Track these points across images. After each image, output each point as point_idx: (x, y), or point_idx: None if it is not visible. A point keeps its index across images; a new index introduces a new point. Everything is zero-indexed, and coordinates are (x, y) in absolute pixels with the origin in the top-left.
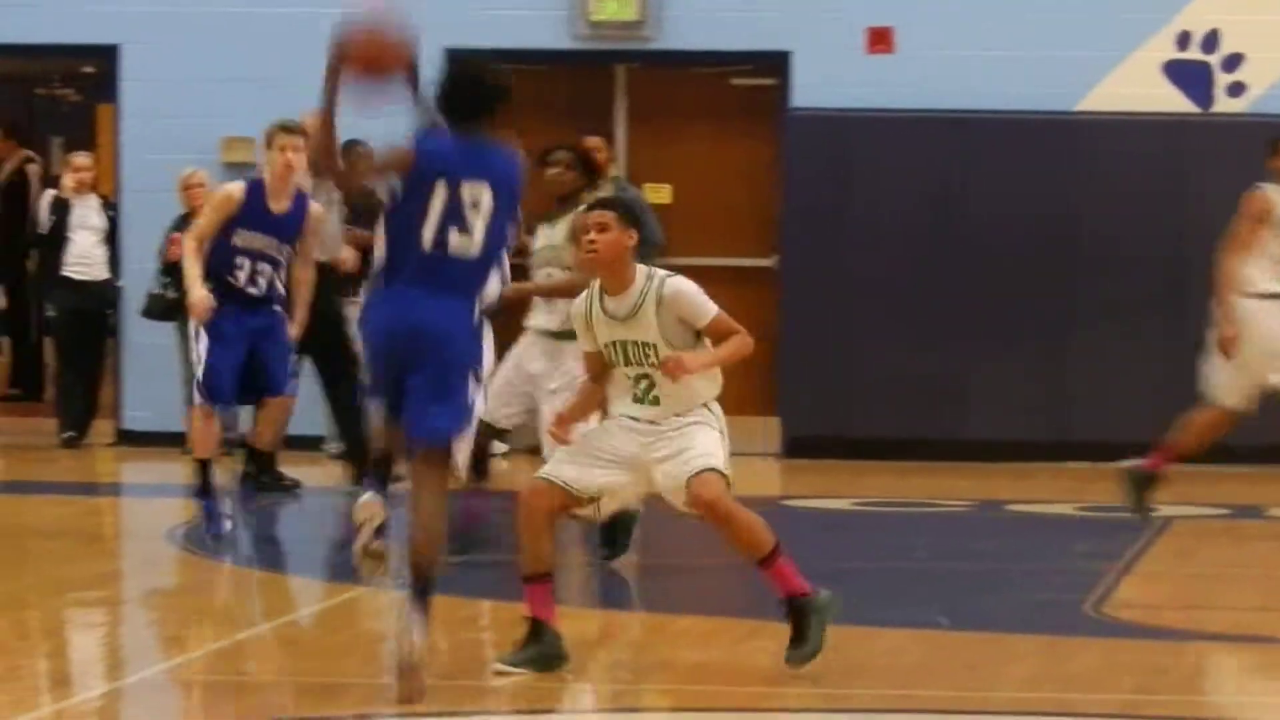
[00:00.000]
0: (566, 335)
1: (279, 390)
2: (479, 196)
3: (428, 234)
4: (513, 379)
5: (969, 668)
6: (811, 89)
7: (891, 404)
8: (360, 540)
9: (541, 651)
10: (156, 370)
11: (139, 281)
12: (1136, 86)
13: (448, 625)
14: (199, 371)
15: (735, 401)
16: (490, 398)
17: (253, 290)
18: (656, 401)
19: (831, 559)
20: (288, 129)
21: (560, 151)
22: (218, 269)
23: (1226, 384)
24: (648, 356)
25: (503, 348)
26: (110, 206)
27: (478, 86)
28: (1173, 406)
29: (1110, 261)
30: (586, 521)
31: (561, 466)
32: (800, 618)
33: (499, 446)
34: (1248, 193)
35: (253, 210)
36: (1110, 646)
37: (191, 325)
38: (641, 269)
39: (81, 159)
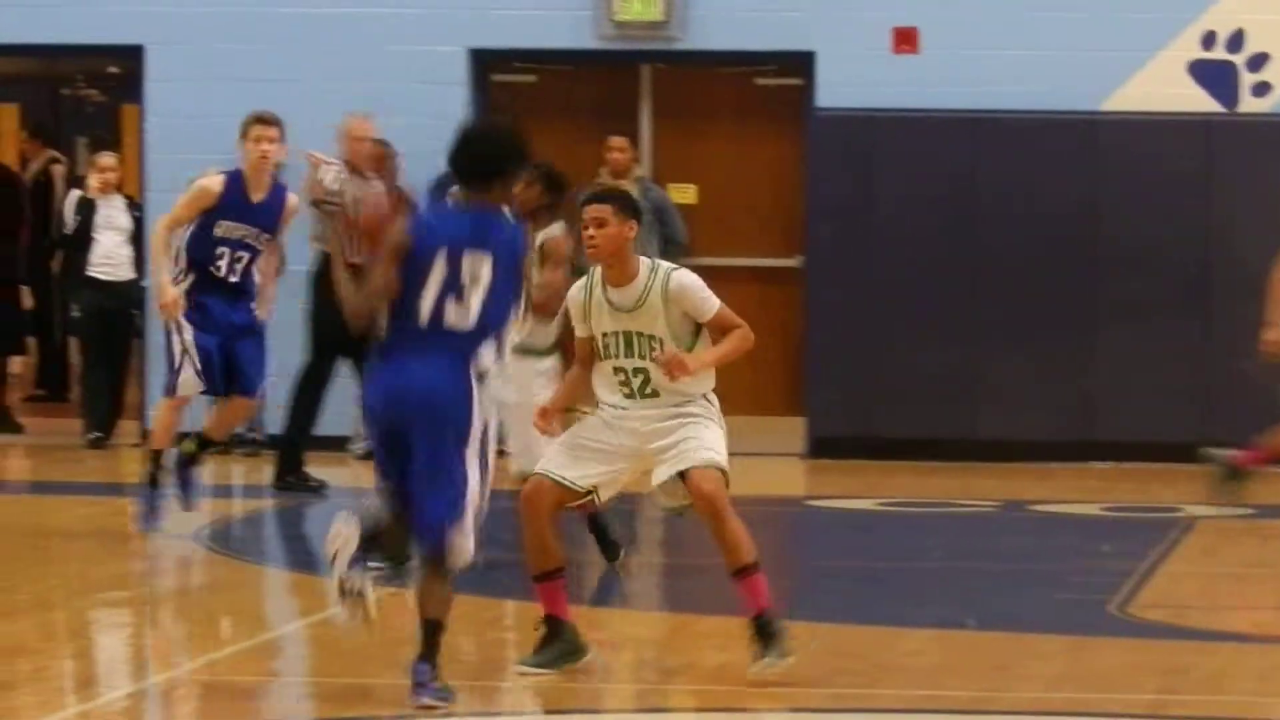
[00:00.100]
0: (529, 351)
1: (251, 391)
2: (479, 269)
3: (425, 306)
4: None
5: (994, 668)
6: (836, 89)
7: (916, 404)
8: (335, 574)
9: (562, 650)
10: None
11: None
12: (1161, 86)
13: (473, 626)
14: (185, 363)
15: (760, 401)
16: None
17: (232, 279)
18: (654, 394)
19: (856, 559)
20: (263, 120)
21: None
22: (200, 260)
23: None
24: (651, 349)
25: None
26: (135, 207)
27: (491, 151)
28: (1196, 405)
29: (1134, 261)
30: (587, 512)
31: (557, 462)
32: (766, 632)
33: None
34: None
35: (234, 201)
36: (1135, 646)
37: (178, 330)
38: (644, 261)
39: (106, 159)
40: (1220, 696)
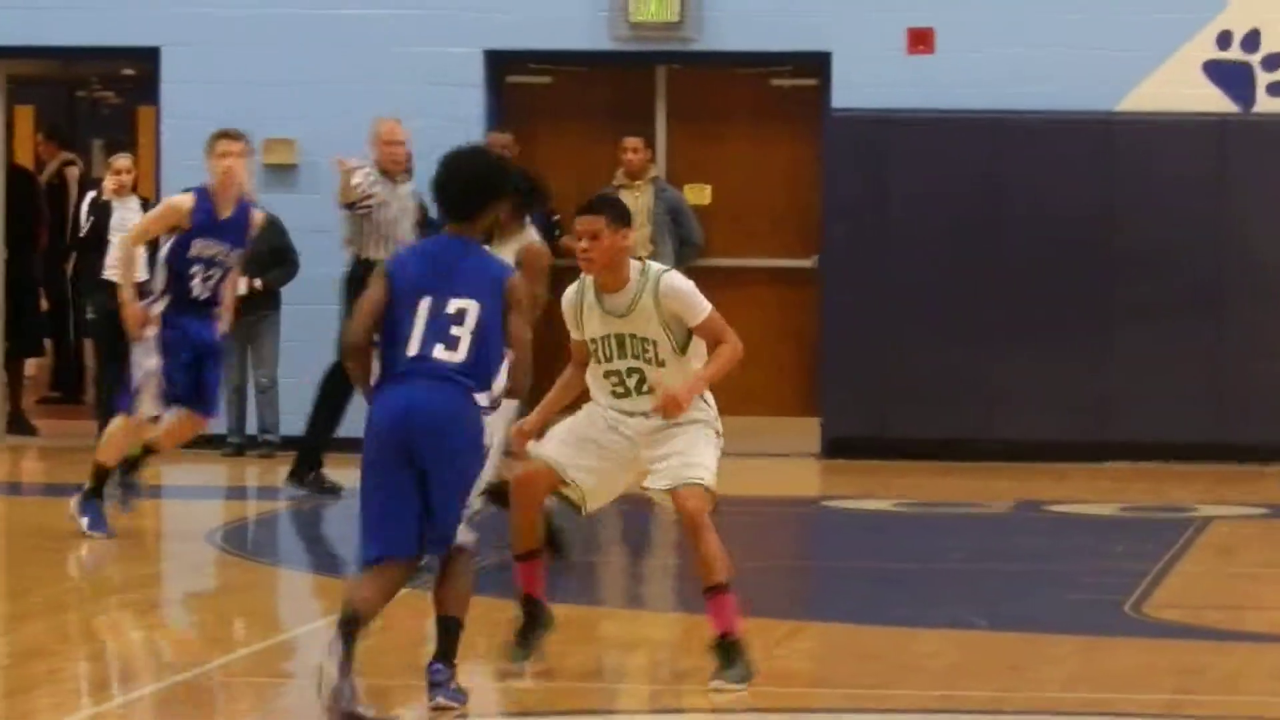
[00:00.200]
0: None
1: (208, 413)
2: (464, 310)
3: (414, 347)
4: None
5: (1008, 668)
6: (852, 90)
7: (931, 404)
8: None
9: (539, 631)
10: None
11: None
12: (1177, 86)
13: (486, 626)
14: (147, 387)
15: (775, 402)
16: None
17: (204, 296)
18: (650, 392)
19: (871, 559)
20: (227, 135)
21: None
22: (175, 279)
23: None
24: (646, 351)
25: None
26: (150, 208)
27: (474, 182)
28: (1212, 406)
29: (1150, 262)
30: (573, 506)
31: (557, 450)
32: (729, 654)
33: None
34: None
35: (204, 218)
36: (1149, 647)
37: (149, 332)
38: (635, 264)
39: (122, 161)
40: (1236, 696)
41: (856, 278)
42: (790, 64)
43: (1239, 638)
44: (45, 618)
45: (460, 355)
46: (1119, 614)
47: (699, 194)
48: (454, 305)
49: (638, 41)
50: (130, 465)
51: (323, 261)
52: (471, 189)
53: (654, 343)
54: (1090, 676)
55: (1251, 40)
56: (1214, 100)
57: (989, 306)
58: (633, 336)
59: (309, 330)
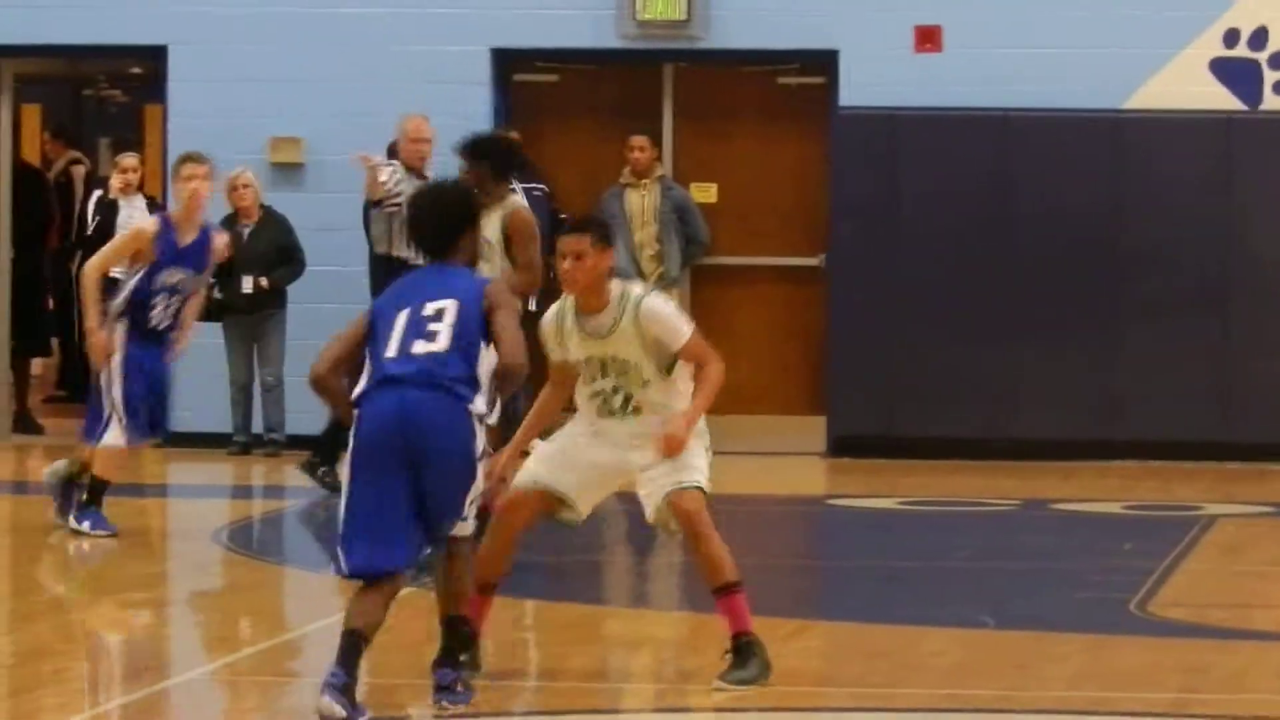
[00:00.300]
0: None
1: (161, 434)
2: (442, 309)
3: (392, 349)
4: None
5: (1015, 666)
6: (859, 88)
7: (938, 403)
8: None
9: (474, 656)
10: (202, 371)
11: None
12: (1184, 84)
13: (494, 626)
14: (115, 418)
15: (782, 401)
16: None
17: (162, 325)
18: (637, 410)
19: (877, 558)
20: (192, 159)
21: (469, 154)
22: (137, 310)
23: None
24: (627, 373)
25: None
26: (157, 207)
27: (444, 218)
28: (1218, 404)
29: (1158, 260)
30: (568, 525)
31: (539, 471)
32: (744, 654)
33: None
34: None
35: (166, 246)
36: (1156, 645)
37: (115, 360)
38: (615, 285)
39: (129, 160)
40: (1241, 695)
41: (863, 276)
42: (797, 62)
43: (1245, 636)
44: (50, 617)
45: (439, 345)
46: (1125, 612)
47: (706, 192)
48: (431, 307)
49: (645, 40)
50: (70, 480)
51: (329, 260)
52: (441, 226)
53: (636, 365)
54: (1096, 675)
55: (1259, 38)
56: (1221, 98)
57: (996, 305)
58: (614, 359)
59: (315, 329)
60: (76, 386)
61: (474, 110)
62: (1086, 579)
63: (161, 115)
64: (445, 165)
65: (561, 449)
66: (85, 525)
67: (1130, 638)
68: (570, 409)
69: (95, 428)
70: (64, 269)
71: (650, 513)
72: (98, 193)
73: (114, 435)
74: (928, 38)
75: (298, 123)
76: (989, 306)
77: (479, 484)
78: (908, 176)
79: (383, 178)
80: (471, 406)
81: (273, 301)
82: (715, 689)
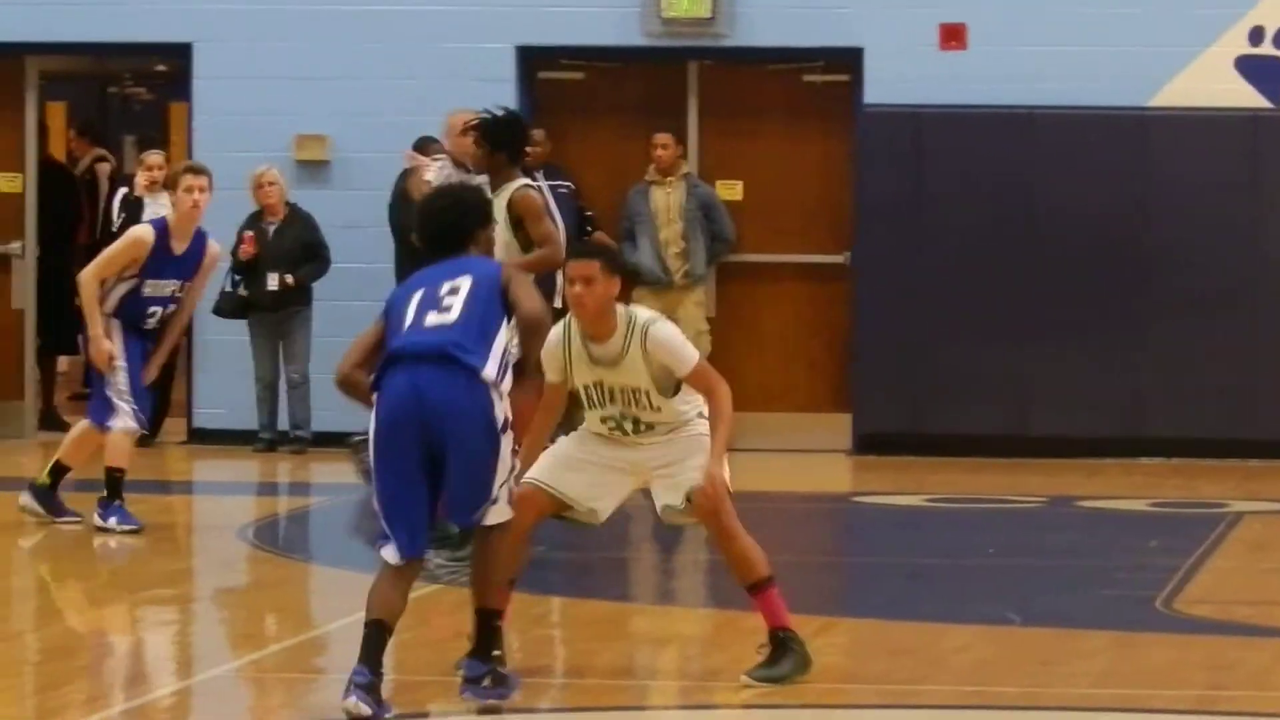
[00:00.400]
0: None
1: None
2: (457, 286)
3: (407, 323)
4: None
5: (1040, 663)
6: (884, 85)
7: (963, 400)
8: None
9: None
10: (228, 368)
11: (211, 279)
12: (1209, 82)
13: (520, 622)
14: (129, 395)
15: (807, 398)
16: None
17: (152, 328)
18: (650, 428)
19: (903, 555)
20: (193, 170)
21: (469, 132)
22: (131, 319)
23: None
24: (638, 399)
25: None
26: None
27: (455, 218)
28: (1244, 402)
29: (1182, 257)
30: (584, 526)
31: (548, 472)
32: (781, 648)
33: None
34: None
35: (158, 254)
36: (1181, 642)
37: (117, 355)
38: (621, 311)
39: (154, 157)
40: (1267, 692)
41: (888, 273)
42: (822, 60)
43: (1270, 633)
44: (77, 613)
45: (451, 317)
46: (1150, 610)
47: (731, 190)
48: (446, 285)
49: (670, 37)
50: (49, 488)
51: (354, 257)
52: (448, 228)
53: (645, 391)
54: (1122, 672)
55: None
56: (1246, 96)
57: (1021, 302)
58: (623, 388)
59: (341, 326)
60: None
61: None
62: (1112, 576)
63: (186, 113)
64: None
65: (567, 455)
66: (112, 521)
67: (1156, 635)
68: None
69: (103, 414)
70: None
71: (662, 510)
72: (123, 190)
73: (123, 421)
74: (953, 35)
75: (323, 120)
76: (1014, 304)
77: (507, 461)
78: (932, 174)
79: (428, 175)
80: (485, 374)
81: (298, 299)
82: (743, 684)
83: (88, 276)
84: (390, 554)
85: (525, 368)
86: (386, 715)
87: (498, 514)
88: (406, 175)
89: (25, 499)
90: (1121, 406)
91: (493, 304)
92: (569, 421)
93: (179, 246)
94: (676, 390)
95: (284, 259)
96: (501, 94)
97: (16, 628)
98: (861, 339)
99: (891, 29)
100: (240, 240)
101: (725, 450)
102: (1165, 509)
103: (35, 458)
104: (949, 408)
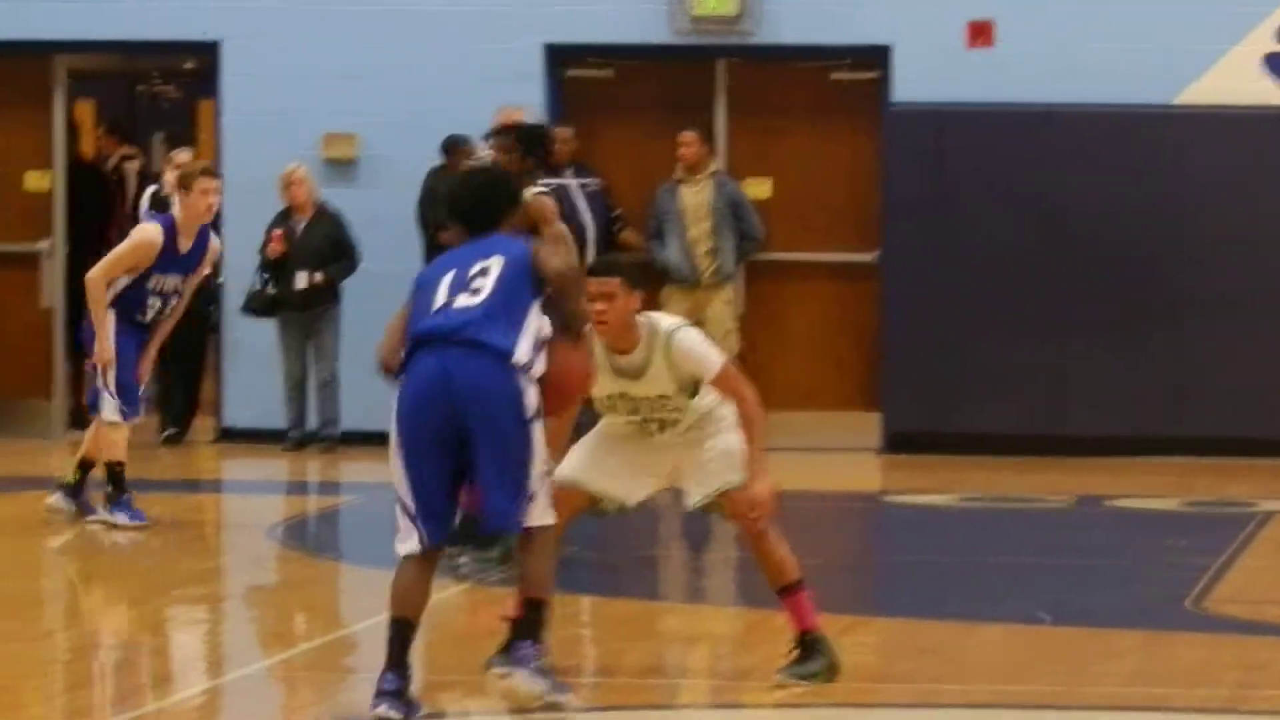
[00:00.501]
0: None
1: (137, 414)
2: (487, 267)
3: (437, 303)
4: None
5: (1070, 663)
6: (912, 83)
7: (992, 398)
8: None
9: None
10: (257, 367)
11: (239, 277)
12: (1236, 80)
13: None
14: (114, 389)
15: (836, 396)
16: None
17: (146, 321)
18: (674, 424)
19: (932, 554)
20: (208, 172)
21: (501, 135)
22: (128, 309)
23: None
24: (664, 406)
25: None
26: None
27: (488, 197)
28: (1273, 400)
29: (1212, 255)
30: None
31: (578, 470)
32: (810, 650)
33: None
34: None
35: (166, 253)
36: (1212, 642)
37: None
38: (643, 323)
39: (182, 155)
40: None
41: (917, 272)
42: (850, 58)
43: None
44: (106, 612)
45: (480, 298)
46: (1180, 609)
47: (759, 188)
48: (477, 266)
49: (698, 35)
50: (76, 486)
51: (383, 255)
52: (480, 207)
53: (669, 399)
54: (1152, 672)
55: None
56: (1273, 94)
57: (1050, 300)
58: (647, 398)
59: (369, 324)
60: None
61: (526, 105)
62: (1142, 575)
63: (215, 111)
64: None
65: (593, 451)
66: (120, 517)
67: (1186, 634)
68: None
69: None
70: None
71: (694, 502)
72: (151, 188)
73: (110, 414)
74: (980, 33)
75: (351, 118)
76: (1042, 302)
77: (541, 453)
78: (960, 172)
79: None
80: (516, 356)
81: (327, 297)
82: (777, 684)
83: (96, 278)
84: (410, 545)
85: (569, 322)
86: (418, 715)
87: (540, 514)
88: (434, 173)
89: (54, 499)
90: (1150, 405)
91: (523, 284)
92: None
93: (185, 244)
94: (698, 389)
95: (312, 257)
96: (529, 92)
97: (46, 627)
98: (890, 337)
99: (919, 27)
100: (269, 238)
101: (761, 460)
102: (1195, 508)
103: (64, 456)
104: (978, 406)
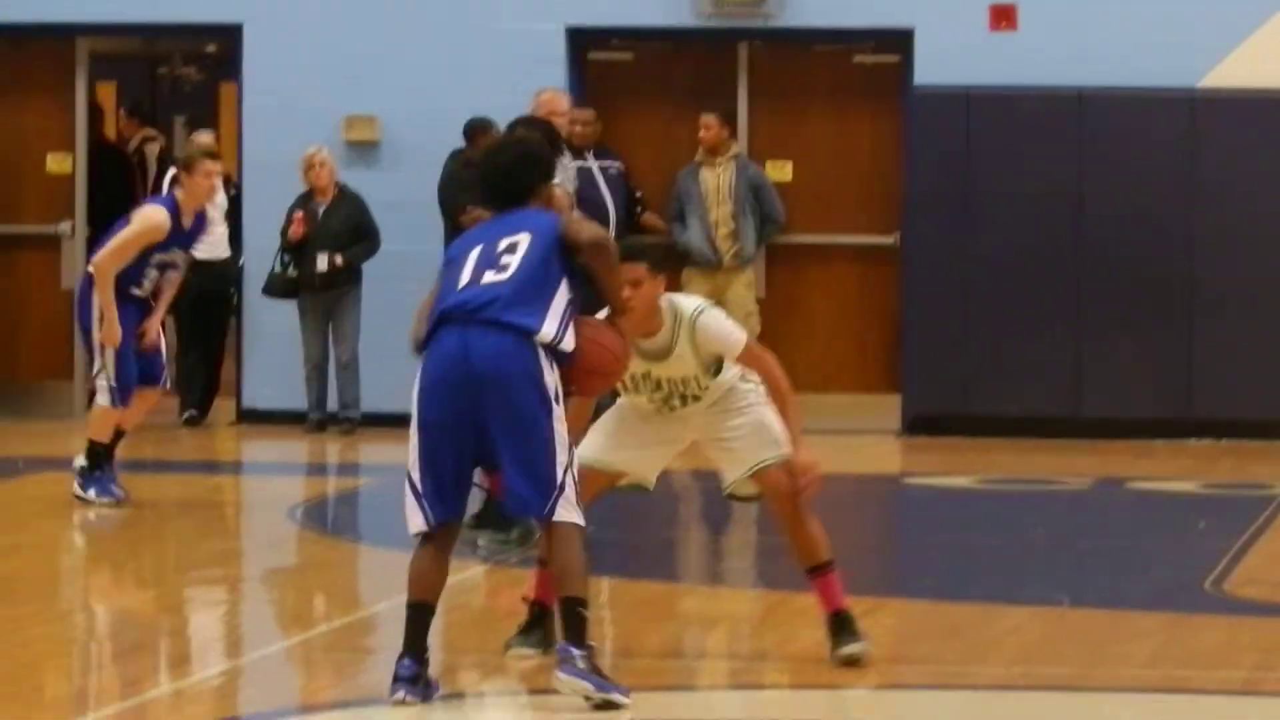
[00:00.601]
0: None
1: (156, 381)
2: (516, 242)
3: (463, 280)
4: None
5: (1090, 645)
6: (934, 66)
7: (1013, 381)
8: None
9: (545, 634)
10: (278, 349)
11: (260, 260)
12: (1262, 62)
13: None
14: (112, 373)
15: (857, 378)
16: None
17: (143, 294)
18: (696, 400)
19: (953, 536)
20: (212, 155)
21: (520, 127)
22: (125, 282)
23: None
24: (686, 386)
25: None
26: (231, 185)
27: (519, 170)
28: None
29: (1235, 238)
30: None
31: (599, 451)
32: (841, 626)
33: None
34: None
35: (171, 232)
36: (1231, 624)
37: (95, 337)
38: (666, 305)
39: (204, 137)
40: None
41: (939, 254)
42: (872, 41)
43: None
44: (125, 593)
45: (507, 275)
46: (1200, 591)
47: (781, 171)
48: (505, 242)
49: (720, 19)
50: (108, 452)
51: (404, 238)
52: (510, 181)
53: (695, 378)
54: (1172, 654)
55: None
56: None
57: (1072, 283)
58: (671, 379)
59: (389, 307)
60: None
61: (563, 91)
62: (1162, 558)
63: (236, 93)
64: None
65: (614, 431)
66: (91, 493)
67: (1206, 616)
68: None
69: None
70: None
71: (730, 483)
72: (172, 171)
73: (103, 396)
74: (1003, 16)
75: (372, 101)
76: (1064, 285)
77: (563, 439)
78: (983, 155)
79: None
80: (541, 334)
81: (347, 279)
82: (846, 657)
83: (107, 265)
84: (416, 522)
85: (609, 304)
86: (436, 697)
87: (567, 509)
88: (456, 156)
89: (77, 487)
90: (1171, 388)
91: (551, 260)
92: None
93: (187, 223)
94: (721, 367)
95: (333, 240)
96: (552, 75)
97: (65, 607)
98: (911, 320)
99: (942, 9)
100: (290, 220)
101: (800, 432)
102: (1215, 490)
103: (84, 437)
104: (999, 388)
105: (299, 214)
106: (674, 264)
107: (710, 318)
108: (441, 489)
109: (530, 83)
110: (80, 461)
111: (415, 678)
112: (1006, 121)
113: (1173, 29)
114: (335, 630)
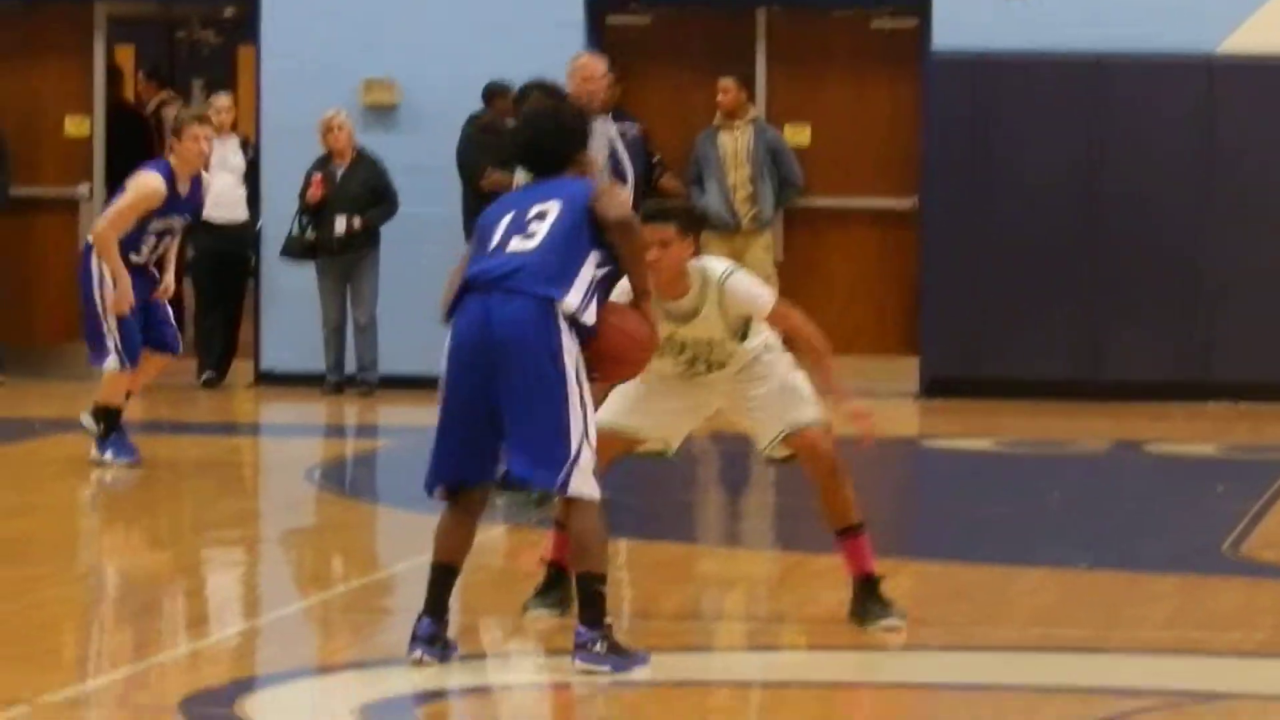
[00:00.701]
0: None
1: (170, 349)
2: (546, 210)
3: (492, 245)
4: None
5: (1107, 607)
6: (952, 31)
7: (1031, 344)
8: None
9: (563, 595)
10: (295, 311)
11: (279, 223)
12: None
13: None
14: (117, 337)
15: (875, 341)
16: None
17: (144, 262)
18: (721, 365)
19: (970, 499)
20: (203, 120)
21: (535, 92)
22: (123, 248)
23: None
24: (712, 350)
25: None
26: (248, 147)
27: (556, 138)
28: None
29: (1252, 203)
30: (659, 456)
31: (619, 415)
32: (867, 592)
33: None
34: None
35: (169, 198)
36: (1249, 586)
37: (101, 303)
38: (694, 267)
39: (222, 100)
40: None
41: (956, 218)
42: (891, 5)
43: None
44: (143, 553)
45: (533, 243)
46: (1218, 554)
47: (799, 134)
48: (535, 209)
49: None
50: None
51: (421, 201)
52: (546, 148)
53: (721, 341)
54: (1189, 616)
55: None
56: None
57: (1089, 246)
58: (698, 340)
59: (407, 269)
60: None
61: (567, 52)
62: (1179, 521)
63: (254, 57)
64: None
65: (636, 395)
66: (108, 455)
67: (1223, 579)
68: None
69: (100, 352)
70: None
71: (763, 446)
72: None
73: (112, 361)
74: None
75: (390, 64)
76: (1082, 248)
77: (580, 410)
78: (1001, 120)
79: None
80: (564, 303)
81: (365, 242)
82: (886, 629)
83: (107, 234)
84: (429, 481)
85: (633, 287)
86: (454, 657)
87: (583, 483)
88: (474, 120)
89: (93, 453)
90: (1189, 350)
91: (580, 229)
92: None
93: (183, 189)
94: (748, 332)
95: (351, 202)
96: (570, 39)
97: (84, 568)
98: (929, 283)
99: None
100: (308, 183)
101: (837, 378)
102: (1233, 453)
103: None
104: (1016, 351)
105: (317, 177)
106: (701, 226)
107: (739, 279)
108: (457, 452)
109: (548, 47)
110: (88, 420)
111: (433, 638)
112: (1024, 86)
113: None
114: (352, 591)
